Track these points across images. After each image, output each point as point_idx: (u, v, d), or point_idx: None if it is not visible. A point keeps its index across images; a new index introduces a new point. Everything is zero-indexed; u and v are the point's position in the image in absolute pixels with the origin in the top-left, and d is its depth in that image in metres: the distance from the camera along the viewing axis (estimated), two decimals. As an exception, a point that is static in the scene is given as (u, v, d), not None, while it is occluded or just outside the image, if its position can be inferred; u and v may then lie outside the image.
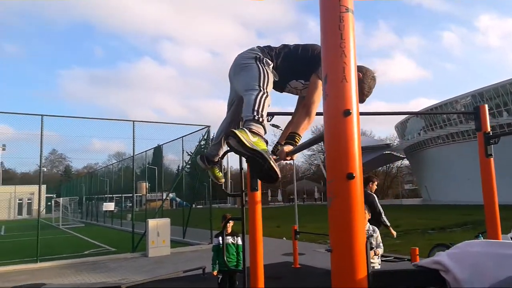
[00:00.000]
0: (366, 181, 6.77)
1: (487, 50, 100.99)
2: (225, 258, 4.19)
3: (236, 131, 1.94)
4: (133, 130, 13.03)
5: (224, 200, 64.33)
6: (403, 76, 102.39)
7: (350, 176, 1.24)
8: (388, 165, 70.40)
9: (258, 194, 3.41)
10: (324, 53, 1.35)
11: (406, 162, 64.47)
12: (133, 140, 13.08)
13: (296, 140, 2.38)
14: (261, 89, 2.20)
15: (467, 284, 1.18)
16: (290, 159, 2.46)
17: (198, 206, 16.69)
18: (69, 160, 59.00)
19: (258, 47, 2.52)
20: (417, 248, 6.63)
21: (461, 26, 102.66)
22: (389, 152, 59.12)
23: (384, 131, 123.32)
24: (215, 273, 5.63)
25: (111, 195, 31.72)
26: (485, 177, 3.70)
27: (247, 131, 2.00)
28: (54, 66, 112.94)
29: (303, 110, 2.49)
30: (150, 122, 14.74)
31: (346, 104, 1.28)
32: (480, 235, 7.45)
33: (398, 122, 55.73)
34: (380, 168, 69.59)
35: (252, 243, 3.35)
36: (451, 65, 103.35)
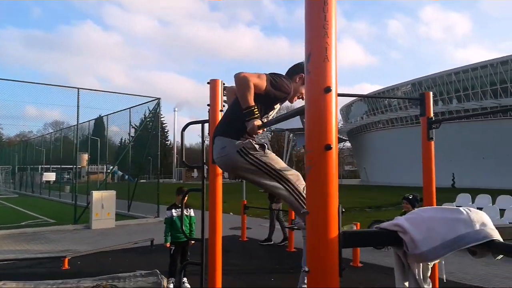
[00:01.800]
0: None
1: (428, 41, 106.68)
2: (183, 227, 4.26)
3: None
4: (78, 98, 12.44)
5: (169, 175, 63.44)
6: (351, 60, 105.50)
7: (328, 147, 1.37)
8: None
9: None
10: (308, 32, 1.44)
11: (348, 144, 67.33)
12: (78, 109, 12.51)
13: (255, 112, 2.46)
14: None
15: (422, 243, 1.38)
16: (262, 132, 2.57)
17: (141, 181, 16.41)
18: (-1, 127, 54.95)
19: None
20: (358, 224, 7.13)
21: (406, 15, 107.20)
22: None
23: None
24: (167, 244, 5.69)
25: (48, 166, 30.17)
26: (426, 159, 4.04)
27: None
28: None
29: None
30: (97, 90, 14.10)
31: (327, 81, 1.40)
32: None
33: (343, 105, 57.77)
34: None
35: (212, 215, 3.45)
36: (396, 53, 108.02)
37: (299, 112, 1.68)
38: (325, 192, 1.37)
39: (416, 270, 1.49)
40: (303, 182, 2.37)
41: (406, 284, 1.53)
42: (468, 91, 38.73)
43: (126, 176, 28.56)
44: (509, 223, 8.43)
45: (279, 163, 2.48)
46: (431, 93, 4.16)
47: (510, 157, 33.90)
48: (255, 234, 9.54)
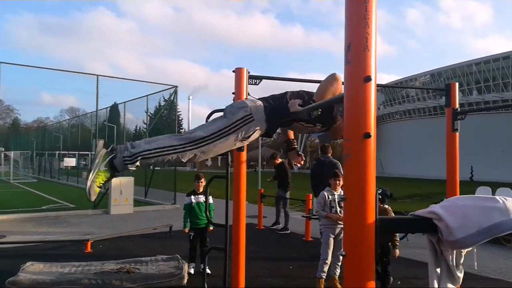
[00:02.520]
0: (322, 149, 7.13)
1: (447, 30, 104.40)
2: (206, 213, 4.35)
3: None
4: (97, 85, 12.62)
5: (183, 163, 63.62)
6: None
7: (367, 135, 1.41)
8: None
9: (244, 154, 3.56)
10: (349, 23, 1.47)
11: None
12: (97, 96, 12.71)
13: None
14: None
15: (457, 230, 1.41)
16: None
17: (156, 168, 16.66)
18: (17, 113, 56.09)
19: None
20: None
21: (425, 4, 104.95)
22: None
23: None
24: (186, 230, 5.80)
25: (65, 152, 30.74)
26: (450, 151, 4.03)
27: None
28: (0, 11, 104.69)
29: None
30: (115, 78, 14.21)
31: (367, 71, 1.43)
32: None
33: (359, 96, 57.01)
34: (339, 140, 71.53)
35: (236, 202, 3.53)
36: (414, 42, 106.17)
37: (336, 100, 1.72)
38: (363, 179, 1.41)
39: (450, 257, 1.52)
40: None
41: (438, 270, 1.57)
42: (489, 82, 37.90)
43: (141, 163, 28.83)
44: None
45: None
46: (457, 83, 4.13)
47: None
48: (270, 223, 9.62)
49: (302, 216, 8.78)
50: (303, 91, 2.71)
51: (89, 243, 6.78)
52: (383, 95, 49.76)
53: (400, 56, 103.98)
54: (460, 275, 1.58)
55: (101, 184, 2.26)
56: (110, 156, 2.27)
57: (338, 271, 5.04)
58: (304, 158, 3.11)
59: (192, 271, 5.60)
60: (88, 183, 2.21)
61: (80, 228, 9.26)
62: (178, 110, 18.55)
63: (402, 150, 46.99)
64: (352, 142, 1.43)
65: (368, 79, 1.42)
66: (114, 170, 2.28)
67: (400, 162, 47.34)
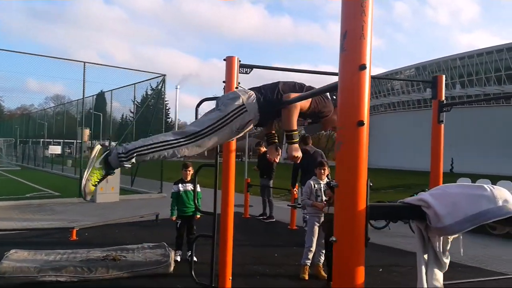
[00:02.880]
0: (303, 139, 7.18)
1: (435, 25, 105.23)
2: (195, 201, 4.35)
3: None
4: (84, 72, 12.39)
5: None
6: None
7: (361, 123, 1.42)
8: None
9: (233, 143, 3.56)
10: (345, 10, 1.47)
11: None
12: (84, 83, 12.49)
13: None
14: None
15: (445, 217, 1.45)
16: None
17: (140, 157, 16.53)
18: (0, 99, 54.74)
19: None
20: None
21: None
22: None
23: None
24: (173, 218, 5.80)
25: (50, 140, 30.23)
26: (435, 142, 4.11)
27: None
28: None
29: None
30: (102, 65, 13.96)
31: (362, 59, 1.43)
32: (415, 195, 8.29)
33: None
34: (323, 132, 72.14)
35: (225, 190, 3.53)
36: (401, 36, 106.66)
37: (330, 89, 1.73)
38: (355, 167, 1.43)
39: (437, 243, 1.56)
40: None
41: (426, 256, 1.61)
42: (472, 76, 38.51)
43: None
44: None
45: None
46: (443, 76, 4.20)
47: (510, 144, 34.04)
48: (256, 212, 9.68)
49: (288, 205, 8.86)
50: (295, 82, 2.71)
51: (74, 231, 6.72)
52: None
53: (388, 49, 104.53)
54: (447, 261, 1.62)
55: (96, 183, 2.23)
56: (105, 153, 2.25)
57: (322, 258, 5.12)
58: (280, 154, 3.04)
59: (178, 258, 5.61)
60: (83, 182, 2.19)
61: (66, 215, 9.16)
62: (166, 100, 18.32)
63: (386, 142, 47.60)
64: (345, 130, 1.44)
65: (363, 67, 1.43)
66: (109, 167, 2.25)
67: (384, 154, 47.96)
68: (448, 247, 1.62)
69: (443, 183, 3.25)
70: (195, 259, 5.64)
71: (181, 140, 2.30)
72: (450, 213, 1.45)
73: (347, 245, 1.45)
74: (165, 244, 5.76)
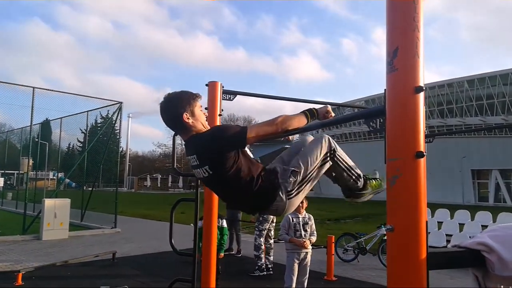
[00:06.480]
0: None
1: (381, 60, 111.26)
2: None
3: None
4: (33, 98, 11.55)
5: (120, 184, 61.10)
6: (308, 75, 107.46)
7: (420, 155, 1.21)
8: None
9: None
10: (395, 24, 1.28)
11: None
12: (32, 110, 11.61)
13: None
14: None
15: (515, 263, 1.24)
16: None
17: (88, 189, 15.51)
18: None
19: None
20: (333, 236, 7.06)
21: (358, 35, 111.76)
22: (288, 146, 62.14)
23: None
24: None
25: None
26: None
27: None
28: None
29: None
30: (54, 91, 13.07)
31: (417, 80, 1.24)
32: (382, 226, 8.24)
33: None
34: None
35: (207, 226, 3.18)
36: (351, 70, 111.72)
37: (375, 113, 1.51)
38: (415, 206, 1.20)
39: (497, 293, 1.35)
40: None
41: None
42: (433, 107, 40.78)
43: (73, 184, 27.05)
44: (470, 236, 8.74)
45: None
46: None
47: (452, 173, 36.03)
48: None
49: (240, 239, 8.53)
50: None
51: (20, 275, 5.93)
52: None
53: (338, 83, 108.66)
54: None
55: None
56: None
57: (303, 298, 4.81)
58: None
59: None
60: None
61: (8, 256, 8.17)
62: (116, 128, 17.56)
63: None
64: (401, 162, 1.22)
65: (419, 89, 1.23)
66: None
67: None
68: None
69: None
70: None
71: None
72: (518, 257, 1.25)
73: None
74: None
